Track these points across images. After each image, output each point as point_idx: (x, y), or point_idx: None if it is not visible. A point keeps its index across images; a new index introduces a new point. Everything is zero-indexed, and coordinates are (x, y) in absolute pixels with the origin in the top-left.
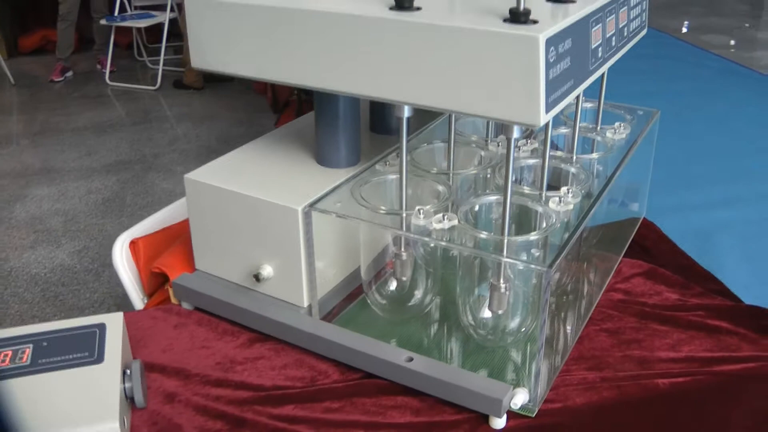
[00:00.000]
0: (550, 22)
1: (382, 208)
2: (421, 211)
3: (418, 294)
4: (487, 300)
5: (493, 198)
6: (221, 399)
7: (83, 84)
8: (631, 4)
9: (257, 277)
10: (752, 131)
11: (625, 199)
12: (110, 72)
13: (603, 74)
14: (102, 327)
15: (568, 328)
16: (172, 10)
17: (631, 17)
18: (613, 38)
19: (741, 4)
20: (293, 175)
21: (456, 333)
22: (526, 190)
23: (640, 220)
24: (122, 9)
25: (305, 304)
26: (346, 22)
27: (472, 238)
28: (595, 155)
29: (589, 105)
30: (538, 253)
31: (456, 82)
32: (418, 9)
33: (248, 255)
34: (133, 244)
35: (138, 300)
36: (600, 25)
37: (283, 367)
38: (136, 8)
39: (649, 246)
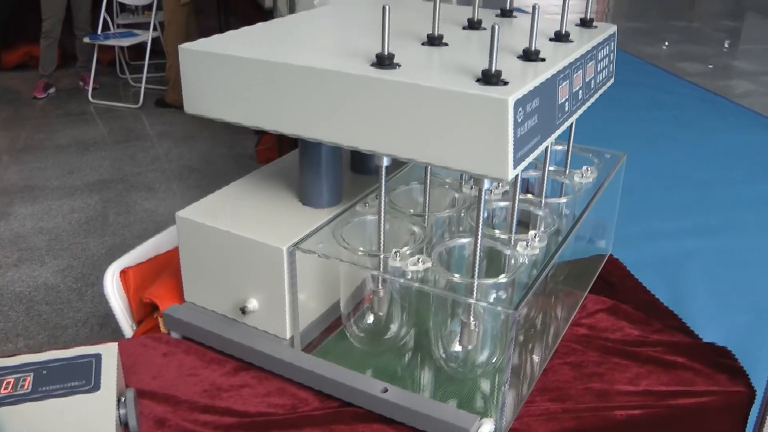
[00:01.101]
0: (520, 83)
1: (362, 249)
2: (398, 254)
3: (394, 327)
4: (458, 335)
5: (465, 240)
6: (209, 424)
7: (66, 101)
8: (599, 58)
9: (243, 310)
10: (725, 161)
11: (592, 236)
12: (93, 89)
13: (572, 125)
14: (98, 356)
15: (534, 360)
16: (155, 29)
17: (599, 69)
18: (580, 92)
19: (717, 32)
20: (278, 214)
21: (428, 364)
22: (497, 232)
23: (607, 257)
24: (105, 26)
25: (288, 336)
26: (328, 78)
27: (444, 279)
28: (563, 199)
29: (559, 147)
30: (504, 295)
31: (430, 137)
32: (398, 66)
33: (235, 289)
34: (123, 273)
35: (128, 327)
36: (567, 81)
37: (266, 394)
38: (119, 26)
39: (614, 281)
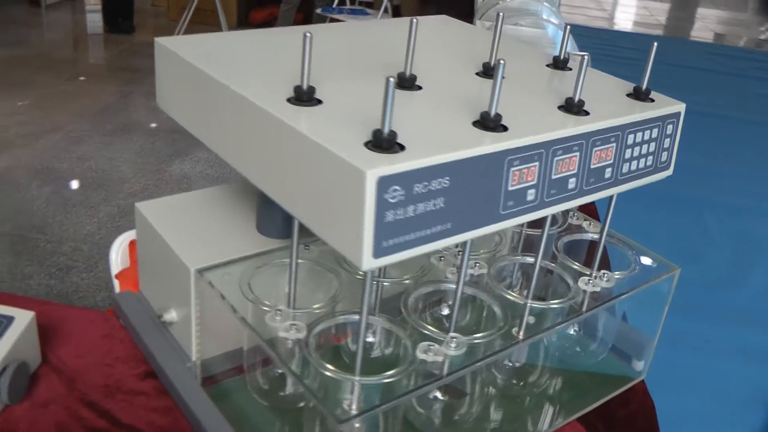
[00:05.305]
0: (412, 155)
1: (266, 302)
2: (280, 312)
3: (291, 387)
4: None
5: (354, 319)
6: (80, 422)
7: None
8: (629, 142)
9: (160, 317)
10: None
11: (622, 352)
12: None
13: (609, 207)
14: (10, 320)
15: None
16: (385, 11)
17: (627, 156)
18: (572, 180)
19: None
20: (225, 233)
21: None
22: (429, 328)
23: (634, 382)
24: (342, 1)
25: (193, 359)
26: (237, 100)
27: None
28: (554, 303)
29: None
30: (348, 401)
31: (301, 191)
32: (318, 102)
33: (162, 294)
34: (132, 244)
35: None
36: (536, 163)
37: (154, 410)
38: (360, 3)
39: (622, 416)
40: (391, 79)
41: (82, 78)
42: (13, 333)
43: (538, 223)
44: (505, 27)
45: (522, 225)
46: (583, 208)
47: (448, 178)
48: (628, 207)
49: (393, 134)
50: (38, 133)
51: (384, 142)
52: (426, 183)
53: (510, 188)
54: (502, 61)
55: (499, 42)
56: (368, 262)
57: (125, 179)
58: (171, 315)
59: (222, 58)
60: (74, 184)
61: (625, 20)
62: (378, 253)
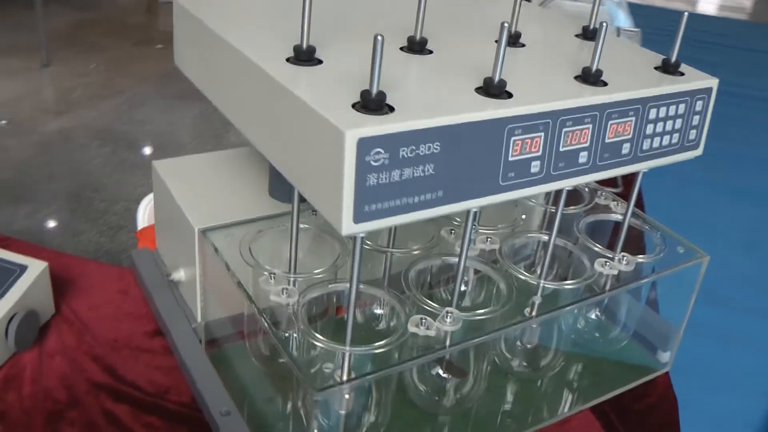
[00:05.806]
0: (399, 117)
1: (265, 266)
2: (274, 276)
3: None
4: None
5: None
6: (83, 374)
7: None
8: (650, 117)
9: (168, 276)
10: None
11: (647, 341)
12: None
13: (634, 186)
14: (23, 269)
15: None
16: None
17: (648, 132)
18: (583, 154)
19: None
20: (236, 195)
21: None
22: (428, 302)
23: (658, 374)
24: None
25: (198, 320)
26: (241, 61)
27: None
28: (568, 284)
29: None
30: (328, 370)
31: (296, 156)
32: (318, 63)
33: (173, 253)
34: None
35: None
36: (539, 134)
37: (158, 368)
38: None
39: (637, 408)
40: (380, 37)
41: (149, 43)
42: (24, 282)
43: (567, 201)
44: (563, 3)
45: (547, 202)
46: (626, 191)
47: (438, 143)
48: (694, 195)
49: (381, 95)
50: (102, 96)
51: (371, 103)
52: (413, 147)
53: (511, 158)
54: (505, 24)
55: (523, 9)
56: (348, 227)
57: (183, 143)
58: (179, 274)
59: (233, 16)
60: (132, 146)
61: (706, 3)
62: (359, 218)
